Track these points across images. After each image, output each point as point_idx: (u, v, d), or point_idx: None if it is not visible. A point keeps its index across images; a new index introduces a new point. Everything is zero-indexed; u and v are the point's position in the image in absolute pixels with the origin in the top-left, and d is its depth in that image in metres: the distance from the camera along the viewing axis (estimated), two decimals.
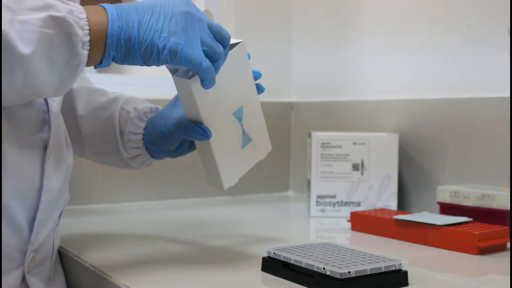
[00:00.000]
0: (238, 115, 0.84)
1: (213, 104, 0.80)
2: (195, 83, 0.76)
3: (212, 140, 0.80)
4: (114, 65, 0.72)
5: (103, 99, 0.96)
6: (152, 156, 0.94)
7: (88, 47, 0.66)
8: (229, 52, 0.79)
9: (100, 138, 0.95)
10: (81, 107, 0.96)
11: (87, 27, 0.66)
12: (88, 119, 0.95)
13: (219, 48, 0.72)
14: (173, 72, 0.78)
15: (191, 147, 0.91)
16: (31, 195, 0.74)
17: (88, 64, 0.68)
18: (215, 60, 0.73)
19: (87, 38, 0.66)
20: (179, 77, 0.77)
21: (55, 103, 0.79)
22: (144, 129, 0.92)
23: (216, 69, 0.73)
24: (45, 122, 0.76)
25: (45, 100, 0.77)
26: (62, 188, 0.80)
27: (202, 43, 0.71)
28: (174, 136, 0.87)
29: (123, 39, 0.68)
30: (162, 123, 0.88)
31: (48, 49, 0.63)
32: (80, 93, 0.97)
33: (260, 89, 0.86)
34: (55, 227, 0.83)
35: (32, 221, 0.75)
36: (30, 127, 0.75)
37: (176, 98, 0.89)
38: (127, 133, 0.92)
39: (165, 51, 0.68)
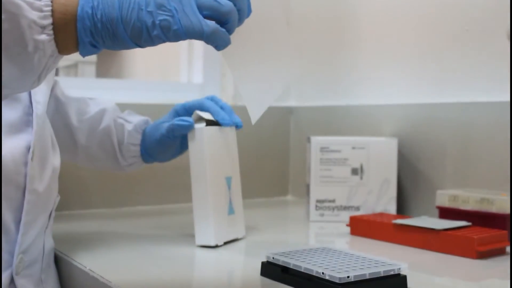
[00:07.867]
0: (228, 182, 0.96)
1: (214, 157, 0.93)
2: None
3: (209, 190, 0.92)
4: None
5: (90, 109, 1.05)
6: (144, 161, 1.05)
7: (51, 32, 0.57)
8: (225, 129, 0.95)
9: (97, 147, 1.04)
10: (74, 119, 1.03)
11: (48, 9, 0.57)
12: (83, 130, 1.03)
13: (225, 5, 0.60)
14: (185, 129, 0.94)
15: (182, 150, 1.03)
16: (16, 196, 0.75)
17: (62, 52, 0.60)
18: (224, 21, 0.61)
19: (48, 21, 0.57)
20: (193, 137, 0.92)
21: (40, 105, 0.80)
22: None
23: (230, 30, 0.62)
24: (29, 123, 0.77)
25: (30, 102, 0.78)
26: (49, 189, 0.81)
27: (201, 8, 0.60)
28: (165, 136, 0.97)
29: (102, 22, 0.59)
30: (156, 132, 1.00)
31: None
32: (69, 105, 1.03)
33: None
34: (45, 229, 0.83)
35: (19, 222, 0.76)
36: (14, 128, 0.76)
37: (167, 119, 1.00)
38: (126, 144, 1.03)
39: (155, 28, 0.58)
